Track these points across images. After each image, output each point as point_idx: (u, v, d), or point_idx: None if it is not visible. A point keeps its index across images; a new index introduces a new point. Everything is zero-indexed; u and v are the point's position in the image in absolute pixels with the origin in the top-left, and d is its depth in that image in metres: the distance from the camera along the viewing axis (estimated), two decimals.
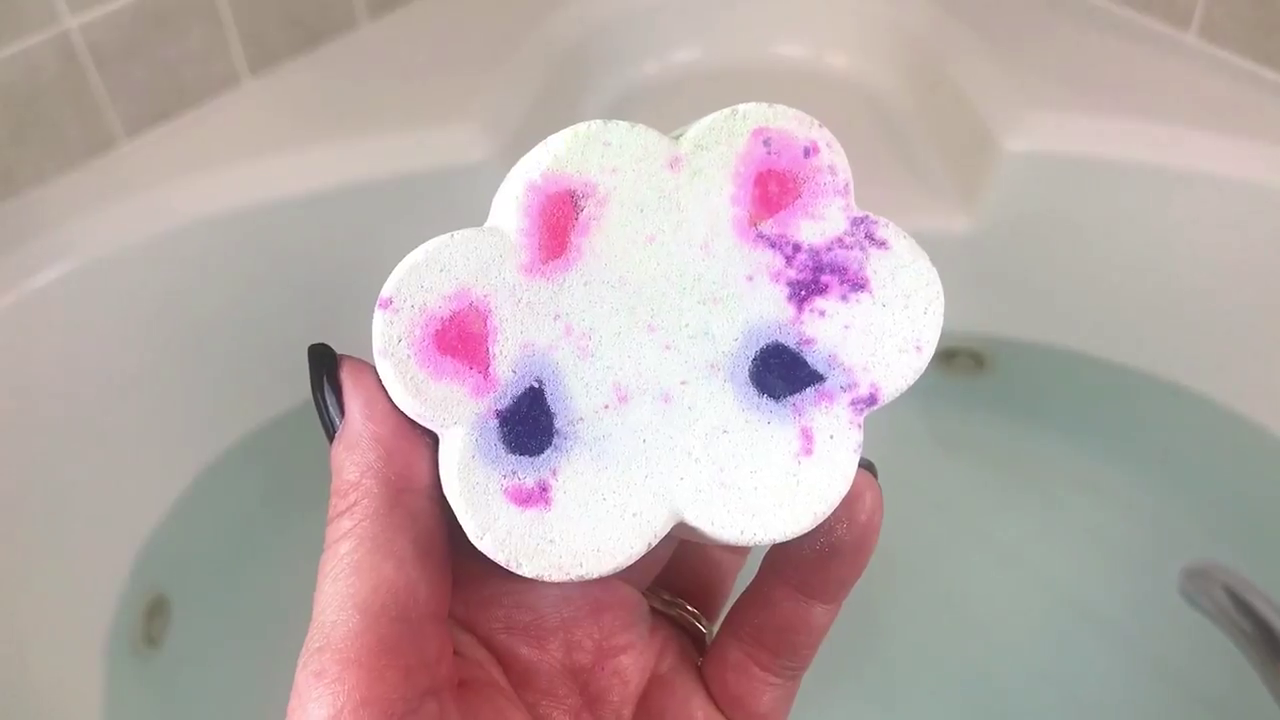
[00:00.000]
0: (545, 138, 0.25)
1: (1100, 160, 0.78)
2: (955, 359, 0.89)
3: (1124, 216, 0.80)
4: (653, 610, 0.29)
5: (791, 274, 0.25)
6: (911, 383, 0.26)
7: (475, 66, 0.87)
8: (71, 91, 0.77)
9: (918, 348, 0.25)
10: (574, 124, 0.25)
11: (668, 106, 0.93)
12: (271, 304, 0.83)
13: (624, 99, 0.95)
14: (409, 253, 0.24)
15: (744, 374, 0.25)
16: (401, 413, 0.24)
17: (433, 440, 0.24)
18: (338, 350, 0.25)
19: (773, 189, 0.25)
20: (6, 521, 0.73)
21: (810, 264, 0.25)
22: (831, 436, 0.25)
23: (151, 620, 0.79)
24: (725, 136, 0.25)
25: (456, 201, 0.80)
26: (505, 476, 0.24)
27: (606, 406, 0.25)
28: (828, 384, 0.25)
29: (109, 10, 0.76)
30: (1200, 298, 0.80)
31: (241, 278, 0.82)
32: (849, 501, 0.25)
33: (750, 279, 0.25)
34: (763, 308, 0.25)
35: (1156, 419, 0.87)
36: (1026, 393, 0.91)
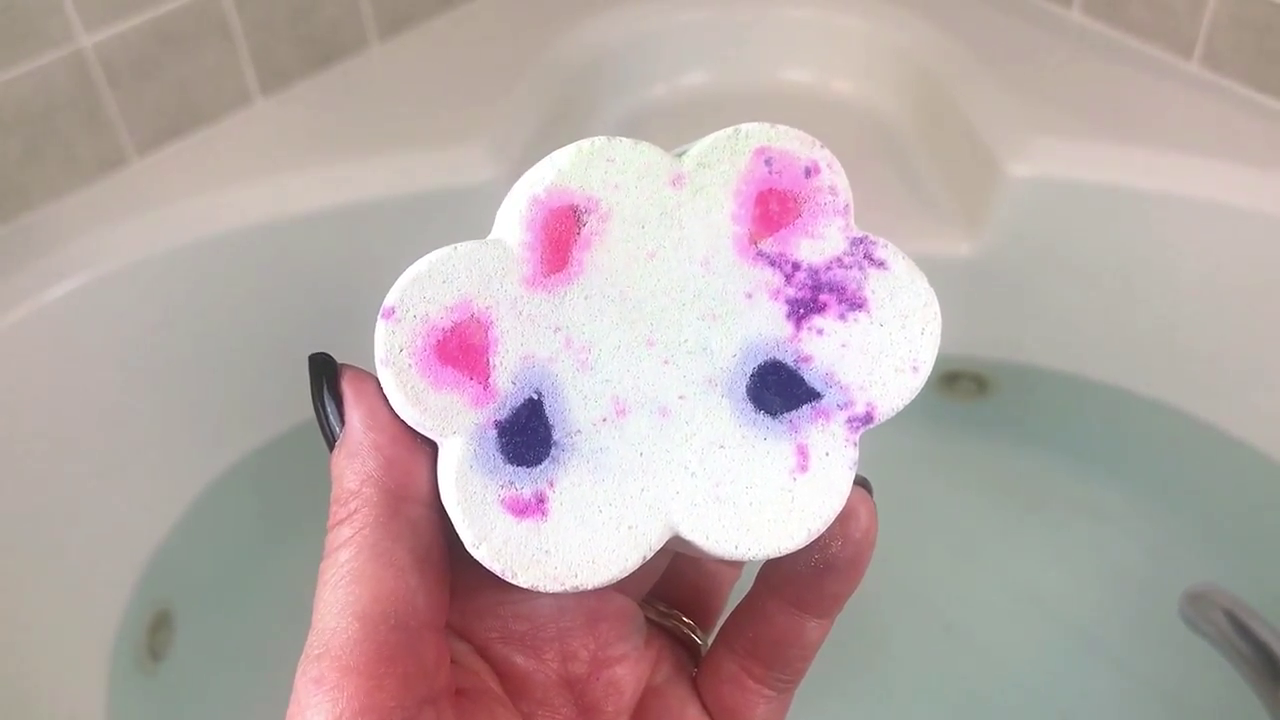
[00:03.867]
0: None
1: (1103, 186, 0.78)
2: (958, 382, 0.89)
3: (1126, 242, 0.80)
4: (648, 621, 0.29)
5: (790, 292, 0.26)
6: (908, 402, 0.26)
7: (484, 88, 0.88)
8: (84, 109, 0.78)
9: (914, 368, 0.26)
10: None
11: (675, 130, 0.93)
12: (279, 321, 0.84)
13: (632, 122, 0.95)
14: (412, 264, 0.25)
15: (741, 390, 0.25)
16: (402, 422, 0.24)
17: (433, 450, 0.25)
18: (341, 362, 0.25)
19: (773, 208, 0.26)
20: (12, 535, 0.73)
21: (809, 283, 0.26)
22: (827, 454, 0.25)
23: (156, 634, 0.79)
24: (728, 155, 0.25)
25: (464, 221, 0.80)
26: (502, 487, 0.24)
27: (604, 419, 0.25)
28: (824, 402, 0.25)
29: (122, 29, 0.77)
30: (1202, 323, 0.81)
31: (250, 295, 0.82)
32: (843, 518, 0.25)
33: (749, 296, 0.25)
34: (761, 325, 0.25)
35: (1158, 444, 0.87)
36: (1028, 417, 0.91)
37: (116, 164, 0.81)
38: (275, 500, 0.86)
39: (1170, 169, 0.78)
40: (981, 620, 0.84)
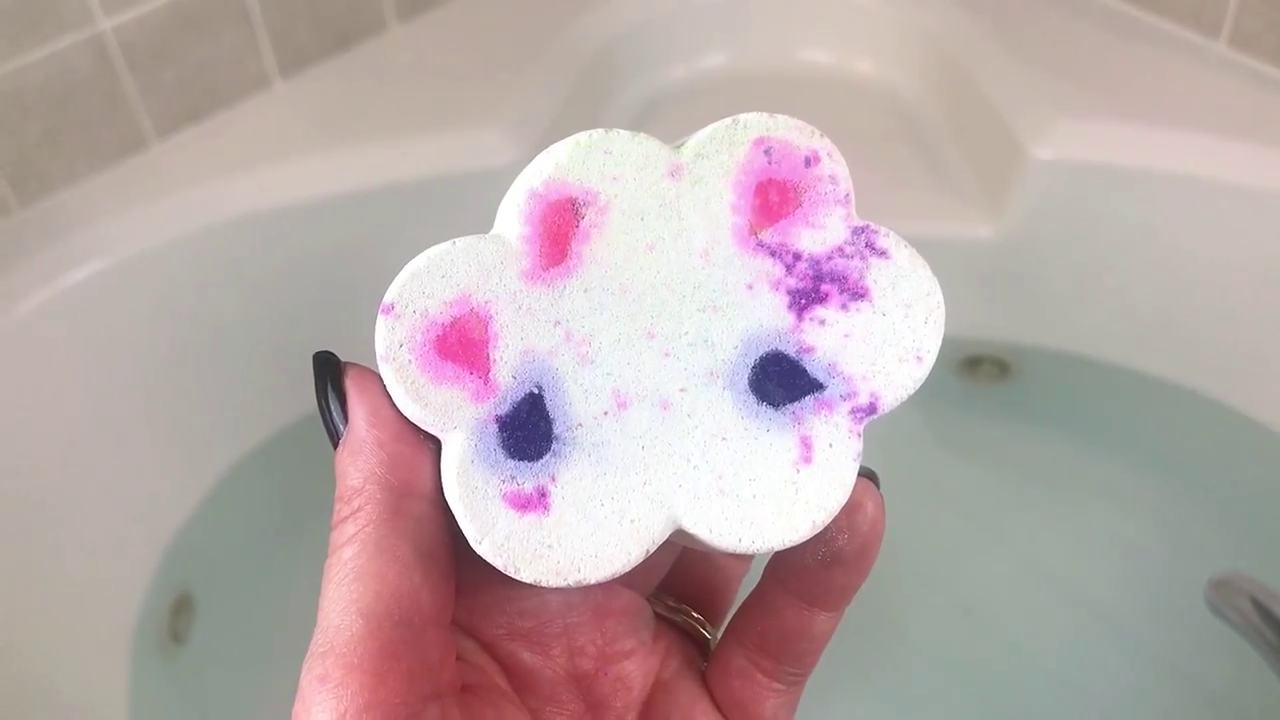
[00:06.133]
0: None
1: (1127, 168, 0.78)
2: (980, 366, 0.89)
3: (1150, 225, 0.80)
4: (657, 616, 0.29)
5: (791, 282, 0.25)
6: (912, 392, 0.25)
7: (503, 70, 0.87)
8: (104, 93, 0.78)
9: (918, 357, 0.25)
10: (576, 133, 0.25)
11: (694, 111, 0.93)
12: (299, 304, 0.84)
13: (650, 104, 0.95)
14: (411, 259, 0.25)
15: (743, 381, 0.25)
16: (405, 419, 0.24)
17: (437, 446, 0.25)
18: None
19: (773, 198, 0.25)
20: (34, 518, 0.74)
21: (810, 273, 0.25)
22: (831, 445, 0.25)
23: (177, 617, 0.80)
24: (726, 145, 0.25)
25: (483, 205, 0.80)
26: (504, 482, 0.24)
27: (606, 413, 0.25)
28: (827, 392, 0.25)
29: (142, 12, 0.77)
30: (1227, 307, 0.80)
31: (270, 278, 0.82)
32: (850, 511, 0.25)
33: (750, 287, 0.25)
34: (762, 316, 0.25)
35: (1181, 428, 0.86)
36: (1051, 400, 0.91)
37: (136, 147, 0.81)
38: (297, 483, 0.87)
39: (1196, 151, 0.77)
40: (1002, 604, 0.84)
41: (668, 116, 0.93)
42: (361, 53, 0.91)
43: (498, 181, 0.83)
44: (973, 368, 0.88)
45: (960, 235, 0.82)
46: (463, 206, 0.81)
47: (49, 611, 0.74)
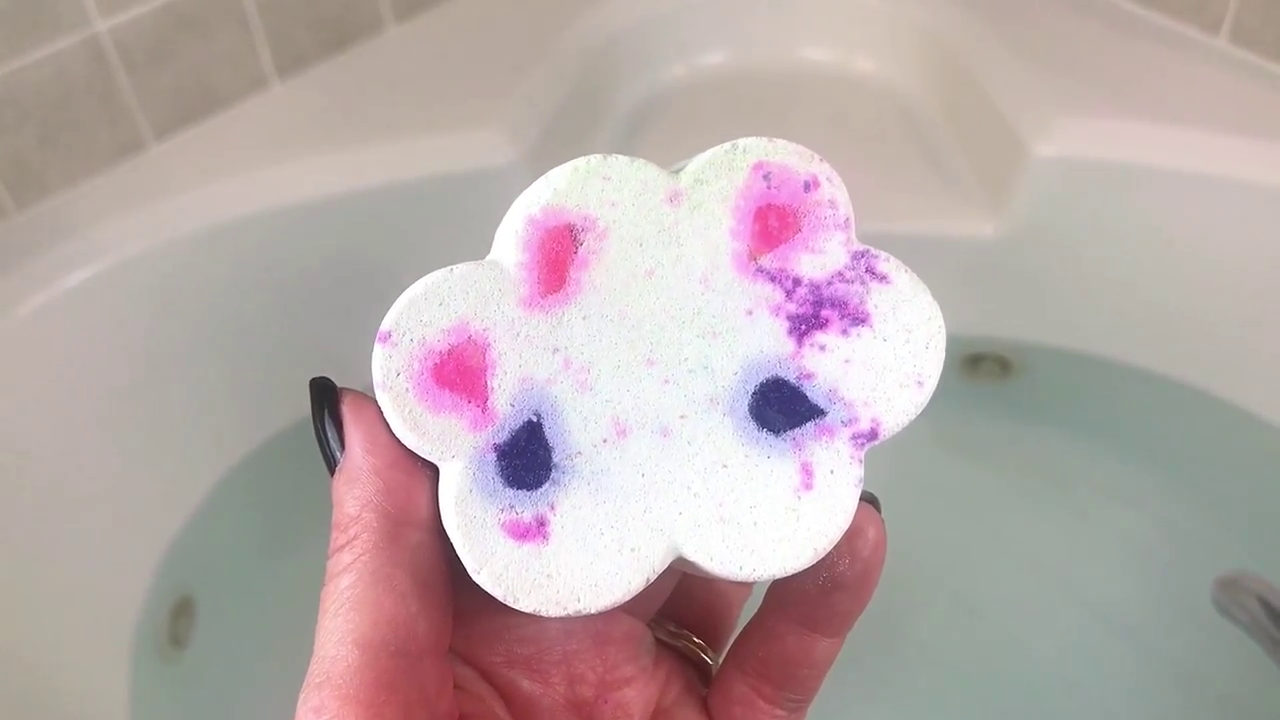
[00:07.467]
0: (549, 169, 0.25)
1: (1129, 165, 0.77)
2: (981, 364, 0.88)
3: (1153, 222, 0.79)
4: (658, 642, 0.29)
5: (791, 308, 0.25)
6: (914, 417, 0.25)
7: (501, 70, 0.87)
8: (101, 95, 0.77)
9: (919, 382, 0.25)
10: (574, 158, 0.25)
11: (694, 110, 0.93)
12: (298, 305, 0.83)
13: (650, 103, 0.94)
14: (408, 287, 0.24)
15: (743, 408, 0.25)
16: (402, 446, 0.24)
17: (435, 473, 0.24)
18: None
19: (773, 223, 0.25)
20: (33, 522, 0.74)
21: (810, 298, 0.25)
22: (832, 471, 0.25)
23: (177, 621, 0.80)
24: (725, 171, 0.25)
25: (482, 205, 0.80)
26: (503, 511, 0.24)
27: (605, 440, 0.25)
28: (828, 419, 0.25)
29: (138, 14, 0.77)
30: (1230, 304, 0.80)
31: (269, 279, 0.82)
32: (851, 536, 0.25)
33: (750, 313, 0.25)
34: (762, 342, 0.25)
35: (1185, 426, 0.86)
36: (1053, 398, 0.90)
37: (133, 149, 0.81)
38: (297, 486, 0.86)
39: (1198, 147, 0.76)
40: (1006, 604, 0.84)
41: (667, 116, 0.93)
42: (359, 53, 0.90)
43: (497, 181, 0.83)
44: (974, 366, 0.88)
45: (961, 233, 0.81)
46: (461, 206, 0.81)
47: (49, 614, 0.74)
